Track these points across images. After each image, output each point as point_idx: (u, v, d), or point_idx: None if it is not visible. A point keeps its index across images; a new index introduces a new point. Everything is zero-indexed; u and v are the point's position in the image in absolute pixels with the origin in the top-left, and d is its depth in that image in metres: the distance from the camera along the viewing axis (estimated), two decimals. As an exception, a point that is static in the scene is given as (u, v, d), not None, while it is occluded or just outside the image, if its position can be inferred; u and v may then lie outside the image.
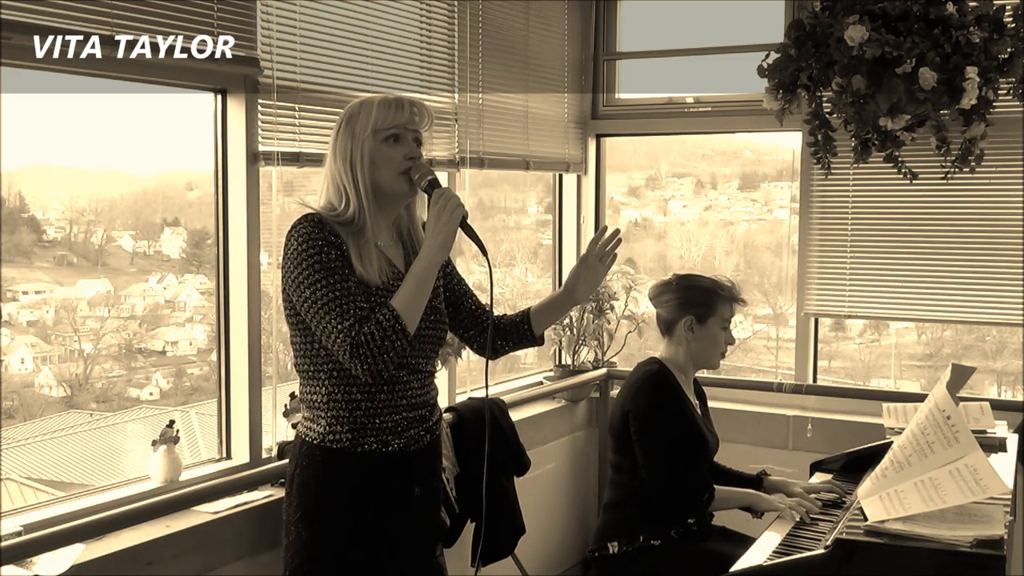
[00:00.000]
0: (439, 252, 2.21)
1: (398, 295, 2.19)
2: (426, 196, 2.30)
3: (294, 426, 3.02)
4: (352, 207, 2.25)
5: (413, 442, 2.35)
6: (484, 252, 2.29)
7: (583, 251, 4.56)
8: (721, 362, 3.33)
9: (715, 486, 3.15)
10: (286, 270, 2.23)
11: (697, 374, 3.42)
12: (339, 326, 2.14)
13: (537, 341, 2.56)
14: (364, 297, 2.21)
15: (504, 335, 2.53)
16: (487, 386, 2.46)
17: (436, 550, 2.56)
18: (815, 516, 2.86)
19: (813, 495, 3.01)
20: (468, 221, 2.26)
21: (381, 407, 2.29)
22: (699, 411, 3.32)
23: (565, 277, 2.53)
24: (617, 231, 2.47)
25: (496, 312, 2.54)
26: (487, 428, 2.45)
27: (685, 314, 3.23)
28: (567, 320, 4.25)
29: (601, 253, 2.46)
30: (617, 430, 3.25)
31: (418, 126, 2.31)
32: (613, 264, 2.50)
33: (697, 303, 3.23)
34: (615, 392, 4.46)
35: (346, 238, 2.23)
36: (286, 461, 2.90)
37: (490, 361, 2.53)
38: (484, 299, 2.58)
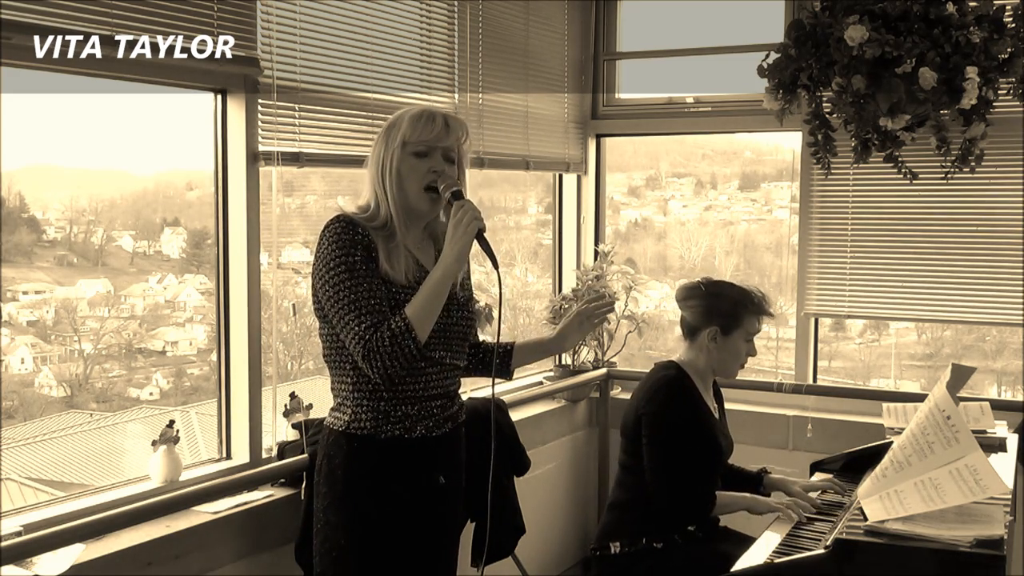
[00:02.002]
0: (454, 263, 2.28)
1: (412, 303, 2.26)
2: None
3: (295, 426, 3.03)
4: (383, 212, 2.33)
5: (436, 428, 2.41)
6: (496, 267, 2.34)
7: (583, 252, 4.61)
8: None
9: (717, 492, 3.14)
10: (315, 268, 2.31)
11: None
12: (356, 328, 2.23)
13: (507, 375, 2.67)
14: (387, 299, 2.27)
15: (481, 361, 2.63)
16: (493, 386, 2.52)
17: (458, 539, 2.59)
18: (814, 516, 2.85)
19: (814, 493, 3.01)
20: (485, 235, 2.31)
21: (404, 397, 2.35)
22: (716, 414, 3.30)
23: (561, 323, 2.65)
24: (612, 299, 2.65)
25: (487, 338, 2.67)
26: (492, 432, 2.47)
27: (710, 324, 3.17)
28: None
29: (593, 313, 2.58)
30: (630, 431, 3.22)
31: (448, 142, 2.36)
32: (599, 325, 2.69)
33: (724, 314, 3.17)
34: (615, 392, 4.47)
35: (376, 238, 2.30)
36: (287, 461, 2.91)
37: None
38: (484, 301, 2.62)
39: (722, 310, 3.18)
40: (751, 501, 3.12)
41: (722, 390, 4.06)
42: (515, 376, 4.25)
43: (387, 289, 2.29)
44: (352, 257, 2.26)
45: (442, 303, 2.29)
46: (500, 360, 2.60)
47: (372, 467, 2.35)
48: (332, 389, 2.43)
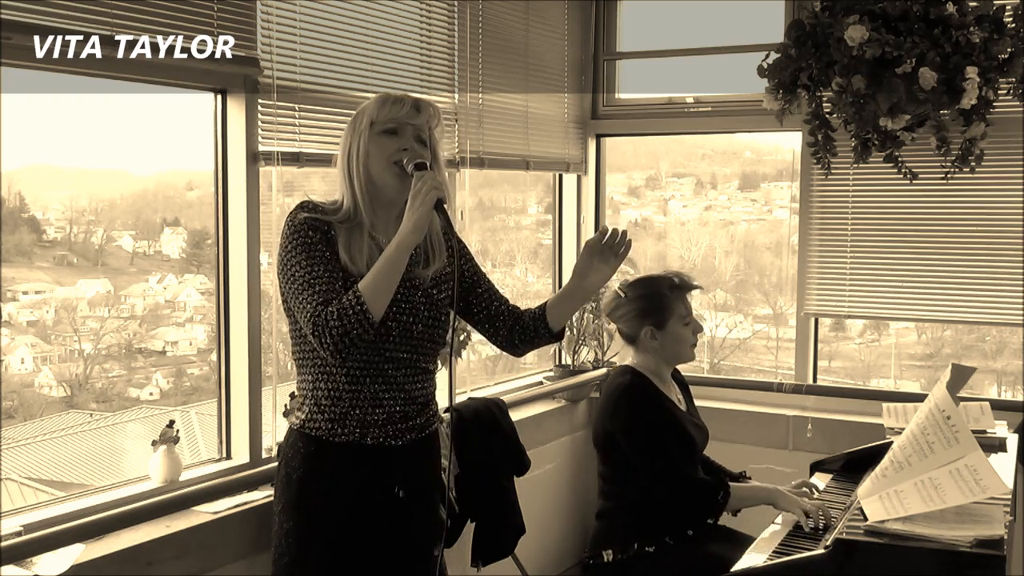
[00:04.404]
0: (410, 234, 2.15)
1: (366, 278, 2.15)
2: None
3: (294, 426, 3.02)
4: (347, 203, 2.27)
5: (394, 437, 2.31)
6: (453, 236, 2.28)
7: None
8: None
9: (732, 484, 3.12)
10: (277, 256, 2.26)
11: (686, 371, 3.42)
12: (308, 305, 2.14)
13: (554, 336, 2.45)
14: (342, 282, 2.19)
15: (522, 331, 2.46)
16: (451, 390, 2.43)
17: (433, 553, 2.53)
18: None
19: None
20: (444, 205, 2.19)
21: (364, 400, 2.27)
22: (683, 406, 3.30)
23: (573, 268, 2.43)
24: (623, 233, 2.36)
25: (520, 306, 2.52)
26: (451, 435, 2.44)
27: (643, 325, 3.21)
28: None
29: (605, 249, 2.34)
30: (601, 444, 3.25)
31: (418, 121, 2.28)
32: (625, 257, 2.38)
33: (651, 310, 3.20)
34: (615, 392, 4.47)
35: (337, 228, 2.24)
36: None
37: (515, 356, 2.55)
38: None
39: (648, 308, 3.21)
40: (776, 494, 2.99)
41: (723, 390, 4.07)
42: (513, 376, 4.29)
43: (345, 280, 2.20)
44: (309, 238, 2.20)
45: (398, 277, 2.16)
46: (543, 324, 2.41)
47: (326, 472, 2.28)
48: (297, 387, 2.38)
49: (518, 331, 2.46)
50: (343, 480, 2.28)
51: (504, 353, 2.58)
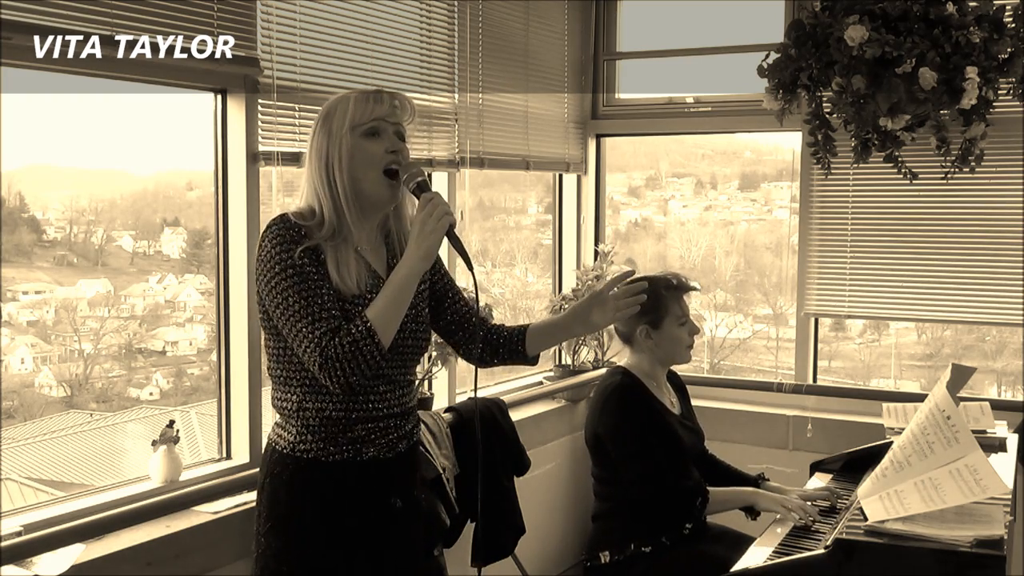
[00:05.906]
0: (421, 261, 2.07)
1: (373, 305, 2.07)
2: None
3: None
4: (328, 214, 2.13)
5: (387, 449, 2.24)
6: (469, 266, 2.17)
7: (583, 252, 4.60)
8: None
9: (710, 488, 3.13)
10: (259, 273, 2.12)
11: (683, 371, 3.42)
12: (310, 335, 2.03)
13: (528, 360, 2.42)
14: (338, 305, 2.10)
15: (495, 348, 2.40)
16: (476, 390, 2.36)
17: (433, 553, 2.52)
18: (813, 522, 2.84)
19: (809, 503, 2.97)
20: (455, 231, 2.11)
21: (353, 418, 2.18)
22: (676, 408, 3.30)
23: (573, 304, 2.38)
24: (643, 288, 2.35)
25: (496, 320, 2.47)
26: (474, 431, 2.43)
27: (638, 324, 3.20)
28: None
29: (618, 298, 2.33)
30: (592, 446, 3.27)
31: (399, 119, 2.19)
32: (630, 312, 2.37)
33: (647, 310, 3.11)
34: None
35: (324, 246, 2.12)
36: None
37: (481, 367, 2.45)
38: (473, 300, 2.52)
39: (644, 307, 3.17)
40: (755, 496, 3.06)
41: (723, 390, 4.06)
42: (513, 376, 4.28)
43: (339, 303, 2.10)
44: (299, 259, 2.07)
45: (406, 305, 2.09)
46: (520, 347, 2.37)
47: (320, 491, 2.18)
48: (275, 406, 2.24)
49: (491, 345, 2.40)
50: (339, 499, 2.19)
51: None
